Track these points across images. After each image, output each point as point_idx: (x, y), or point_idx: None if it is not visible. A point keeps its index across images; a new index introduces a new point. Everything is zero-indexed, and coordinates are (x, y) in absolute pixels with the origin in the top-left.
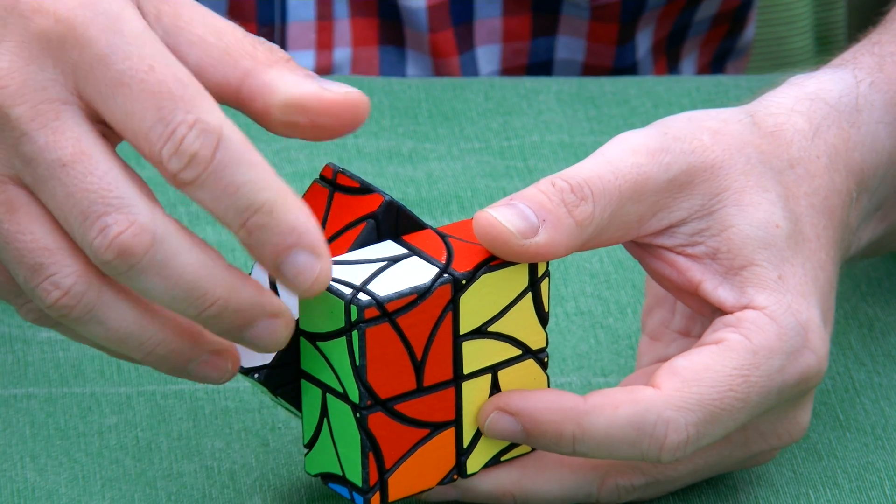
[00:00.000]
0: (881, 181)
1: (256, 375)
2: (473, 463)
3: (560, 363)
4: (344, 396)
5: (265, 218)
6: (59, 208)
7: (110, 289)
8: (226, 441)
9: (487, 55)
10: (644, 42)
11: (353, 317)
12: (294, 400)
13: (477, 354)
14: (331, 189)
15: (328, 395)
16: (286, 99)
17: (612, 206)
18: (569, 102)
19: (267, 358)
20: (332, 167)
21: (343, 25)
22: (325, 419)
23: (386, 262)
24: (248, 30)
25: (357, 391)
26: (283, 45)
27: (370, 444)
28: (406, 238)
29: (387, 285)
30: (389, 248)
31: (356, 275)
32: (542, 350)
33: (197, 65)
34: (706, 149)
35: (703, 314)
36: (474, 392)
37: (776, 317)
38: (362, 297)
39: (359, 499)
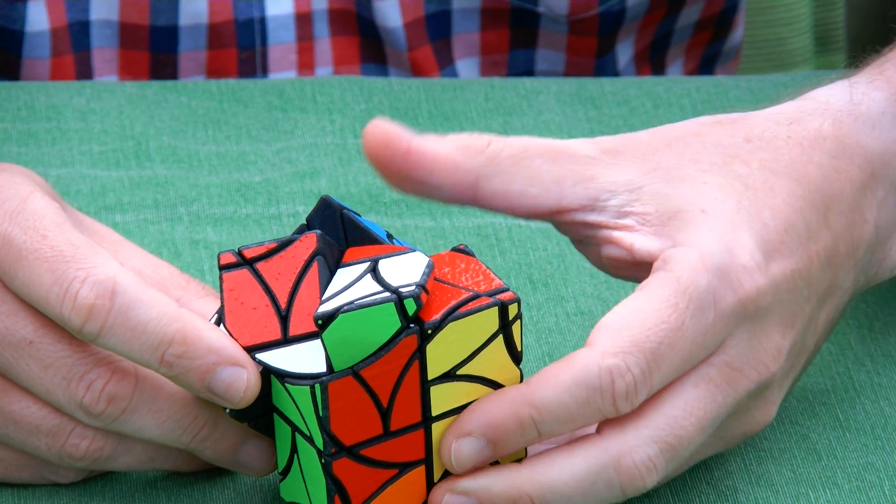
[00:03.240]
0: None
1: (227, 410)
2: None
3: None
4: (310, 439)
5: (181, 347)
6: (38, 383)
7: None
8: None
9: (467, 68)
10: (625, 53)
11: (318, 395)
12: (267, 431)
13: (447, 397)
14: (248, 267)
15: (297, 434)
16: None
17: (517, 150)
18: (569, 103)
19: None
20: (229, 252)
21: (324, 45)
22: (295, 454)
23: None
24: (229, 55)
25: (321, 439)
26: (264, 69)
27: (336, 489)
28: (357, 255)
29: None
30: (353, 271)
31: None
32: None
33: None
34: (639, 136)
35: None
36: (445, 429)
37: (697, 243)
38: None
39: None
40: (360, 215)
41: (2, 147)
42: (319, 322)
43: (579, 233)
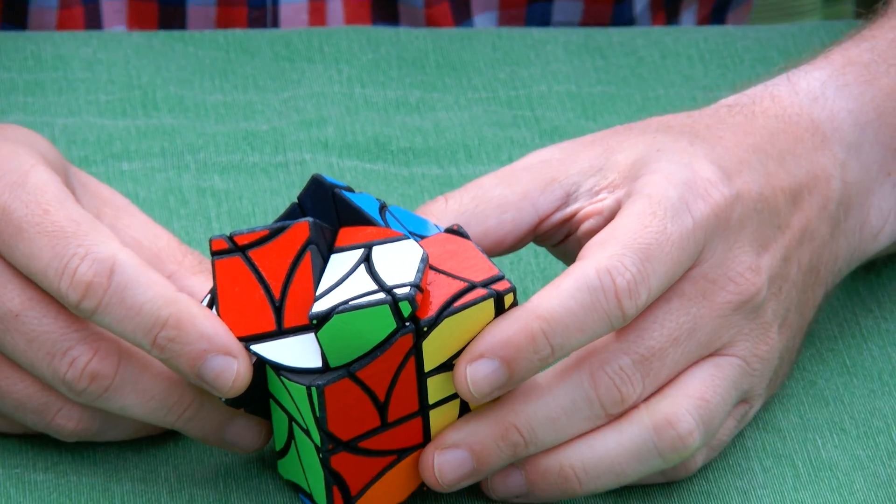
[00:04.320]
0: (860, 135)
1: (223, 399)
2: None
3: None
4: (307, 433)
5: (173, 331)
6: (22, 356)
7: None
8: None
9: (484, 23)
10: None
11: (314, 398)
12: (263, 415)
13: (444, 385)
14: (240, 254)
15: (294, 424)
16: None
17: (473, 192)
18: (576, 53)
19: None
20: (220, 237)
21: (335, 4)
22: (293, 441)
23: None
24: (239, 13)
25: (319, 436)
26: (275, 25)
27: (334, 480)
28: (350, 237)
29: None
30: (347, 259)
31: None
32: None
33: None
34: (580, 138)
35: None
36: (443, 414)
37: (658, 169)
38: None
39: None
40: (352, 191)
41: (9, 97)
42: (314, 321)
43: (560, 232)
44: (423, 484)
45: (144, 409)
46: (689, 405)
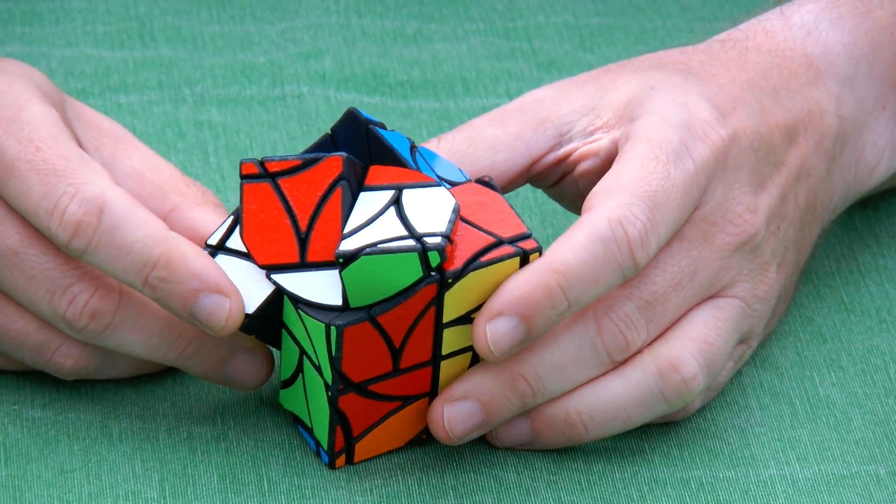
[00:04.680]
0: (855, 69)
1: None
2: None
3: None
4: (319, 370)
5: (164, 271)
6: (22, 293)
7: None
8: None
9: None
10: None
11: (332, 337)
12: (273, 343)
13: (459, 337)
14: (270, 181)
15: (304, 358)
16: (204, 236)
17: (465, 132)
18: None
19: (249, 307)
20: (251, 161)
21: None
22: (301, 374)
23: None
24: None
25: (331, 375)
26: None
27: (339, 419)
28: (381, 177)
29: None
30: (377, 200)
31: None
32: None
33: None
34: (572, 78)
35: None
36: (453, 366)
37: (653, 110)
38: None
39: (324, 457)
40: (385, 128)
41: (6, 26)
42: (340, 260)
43: (555, 173)
44: (421, 432)
45: (144, 346)
46: (692, 349)
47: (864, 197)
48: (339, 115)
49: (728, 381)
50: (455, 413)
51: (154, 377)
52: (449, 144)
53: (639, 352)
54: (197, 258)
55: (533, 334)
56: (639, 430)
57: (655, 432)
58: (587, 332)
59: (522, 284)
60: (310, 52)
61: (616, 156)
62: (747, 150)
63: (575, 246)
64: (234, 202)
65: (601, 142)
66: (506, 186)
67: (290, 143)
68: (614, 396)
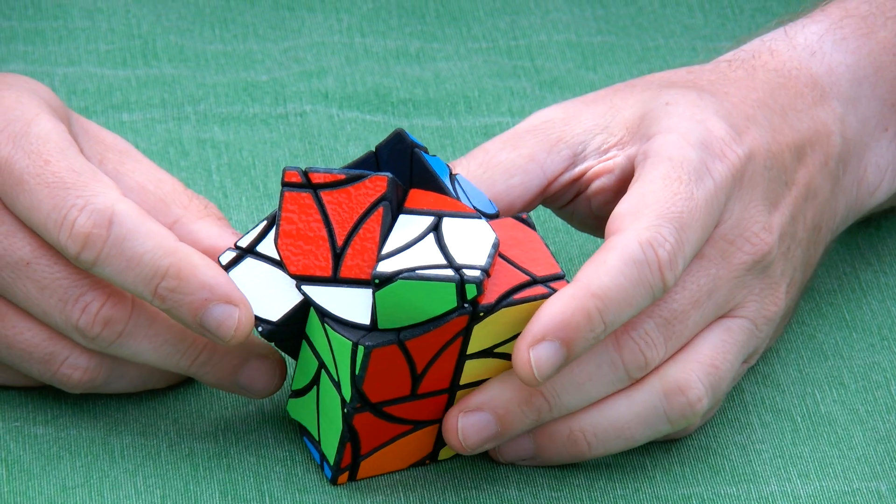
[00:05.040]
0: (858, 90)
1: (260, 329)
2: (447, 451)
3: (567, 262)
4: (337, 385)
5: (174, 281)
6: (35, 304)
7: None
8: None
9: None
10: None
11: (359, 356)
12: (290, 353)
13: (479, 369)
14: (312, 192)
15: (323, 371)
16: (206, 249)
17: (479, 158)
18: (576, 2)
19: (275, 315)
20: (295, 170)
21: None
22: (316, 387)
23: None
24: None
25: (350, 392)
26: None
27: (350, 437)
28: (421, 201)
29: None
30: (416, 224)
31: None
32: None
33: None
34: (581, 97)
35: None
36: (465, 395)
37: (671, 127)
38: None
39: (327, 471)
40: (428, 153)
41: (9, 45)
42: (376, 280)
43: (569, 193)
44: (426, 457)
45: (157, 353)
46: (699, 371)
47: (864, 216)
48: (341, 134)
49: (729, 398)
50: (470, 423)
51: (156, 393)
52: (464, 171)
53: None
54: (206, 268)
55: (571, 358)
56: (641, 447)
57: (657, 449)
58: (607, 349)
59: (563, 309)
60: (313, 70)
61: (632, 172)
62: (761, 169)
63: (609, 269)
64: (237, 219)
65: (616, 159)
66: (521, 209)
67: (292, 161)
68: (619, 415)
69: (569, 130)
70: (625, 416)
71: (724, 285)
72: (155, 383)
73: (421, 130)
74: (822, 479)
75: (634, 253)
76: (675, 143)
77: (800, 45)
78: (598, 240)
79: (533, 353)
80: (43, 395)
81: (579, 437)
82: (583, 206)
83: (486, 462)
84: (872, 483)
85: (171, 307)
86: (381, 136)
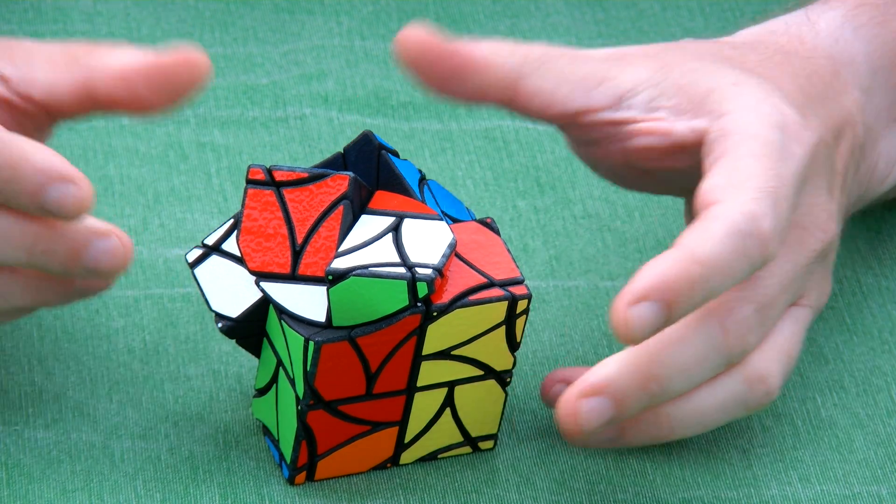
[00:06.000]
0: (872, 79)
1: (220, 325)
2: (409, 456)
3: (567, 267)
4: (293, 382)
5: (8, 171)
6: None
7: None
8: (232, 345)
9: None
10: None
11: (310, 351)
12: (253, 351)
13: (435, 372)
14: (275, 189)
15: (281, 368)
16: (120, 67)
17: (542, 52)
18: (576, 5)
19: (234, 311)
20: (259, 167)
21: None
22: (275, 385)
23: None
24: None
25: (303, 389)
26: None
27: (305, 434)
28: (385, 203)
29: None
30: (376, 224)
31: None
32: (508, 371)
33: (49, 81)
34: (633, 47)
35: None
36: (426, 400)
37: (747, 107)
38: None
39: (285, 470)
40: (397, 156)
41: None
42: (330, 277)
43: (601, 132)
44: (386, 461)
45: None
46: (779, 360)
47: (866, 216)
48: (341, 137)
49: None
50: (592, 407)
51: (156, 397)
52: (526, 53)
53: None
54: (37, 153)
55: (668, 323)
56: (641, 451)
57: (658, 453)
58: (714, 333)
59: (667, 271)
60: (312, 73)
61: (693, 143)
62: (822, 156)
63: (714, 236)
64: None
65: (673, 124)
66: (556, 116)
67: (292, 164)
68: (702, 401)
69: (622, 75)
70: (707, 402)
71: (802, 272)
72: (14, 248)
73: (421, 134)
74: (823, 483)
75: (739, 223)
76: (756, 123)
77: (822, 31)
78: (600, 243)
79: (632, 311)
80: (43, 398)
81: (665, 421)
82: (616, 153)
83: (485, 465)
84: (873, 487)
85: (10, 197)
86: (382, 139)
